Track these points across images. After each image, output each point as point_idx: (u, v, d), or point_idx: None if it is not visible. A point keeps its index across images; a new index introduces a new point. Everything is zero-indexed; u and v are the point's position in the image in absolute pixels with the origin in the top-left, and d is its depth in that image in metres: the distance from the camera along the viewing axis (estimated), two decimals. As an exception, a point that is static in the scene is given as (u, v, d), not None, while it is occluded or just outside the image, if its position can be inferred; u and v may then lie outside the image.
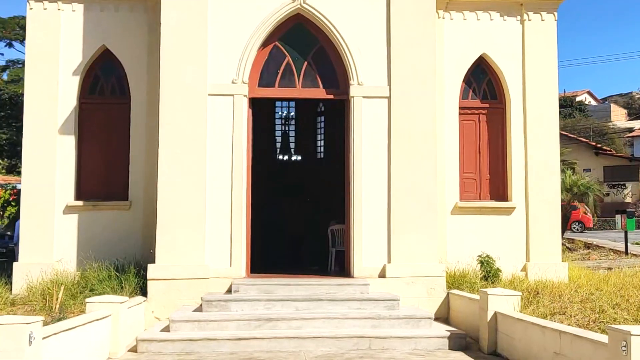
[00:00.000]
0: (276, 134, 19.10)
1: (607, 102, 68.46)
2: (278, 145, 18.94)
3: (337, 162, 16.88)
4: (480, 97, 11.99)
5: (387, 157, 10.42)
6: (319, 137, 19.11)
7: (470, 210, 11.55)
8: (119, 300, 8.05)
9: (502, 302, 8.18)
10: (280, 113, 19.17)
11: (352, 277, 10.22)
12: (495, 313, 8.16)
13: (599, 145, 38.38)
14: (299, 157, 18.69)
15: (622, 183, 37.49)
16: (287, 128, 19.33)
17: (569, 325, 7.56)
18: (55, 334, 6.46)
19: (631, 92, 72.64)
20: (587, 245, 21.12)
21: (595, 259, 17.71)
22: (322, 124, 18.96)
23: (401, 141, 10.40)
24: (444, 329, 8.89)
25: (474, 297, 9.14)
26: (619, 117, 64.20)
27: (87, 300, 8.07)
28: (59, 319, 7.91)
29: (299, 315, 8.74)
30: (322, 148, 18.86)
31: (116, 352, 7.94)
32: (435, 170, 10.48)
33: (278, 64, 10.71)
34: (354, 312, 8.95)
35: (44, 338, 6.01)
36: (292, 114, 19.26)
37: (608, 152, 38.28)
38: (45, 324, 7.28)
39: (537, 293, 9.57)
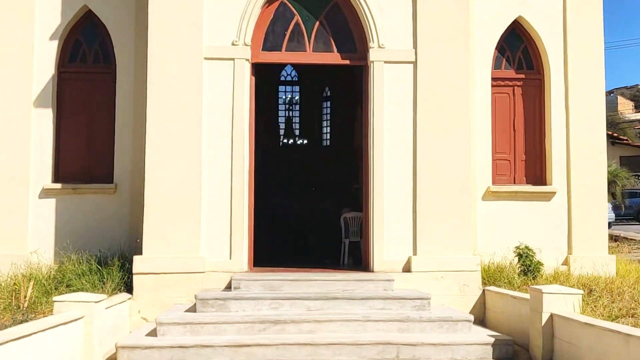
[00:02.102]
0: (279, 120, 17.83)
1: (613, 94, 66.98)
2: (282, 131, 17.63)
3: (345, 147, 15.91)
4: (514, 67, 10.50)
5: (413, 133, 8.96)
6: (325, 122, 17.85)
7: (504, 195, 10.09)
8: (94, 299, 6.62)
9: (560, 302, 6.73)
10: (283, 97, 17.88)
11: (372, 271, 8.78)
12: (552, 315, 6.71)
13: (615, 135, 36.75)
14: (305, 142, 17.33)
15: (638, 173, 35.98)
16: (291, 113, 18.01)
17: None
18: (5, 342, 5.03)
19: (637, 85, 71.43)
20: (614, 238, 19.63)
21: (628, 252, 16.25)
22: (329, 109, 17.68)
23: (429, 114, 8.94)
24: (485, 334, 7.44)
25: (520, 295, 7.70)
26: (625, 109, 62.78)
27: (55, 299, 6.64)
28: (21, 322, 6.50)
29: (311, 317, 7.29)
30: (329, 135, 17.63)
31: (90, 362, 6.52)
32: (469, 147, 9.02)
33: (285, 24, 9.22)
34: (377, 313, 7.50)
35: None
36: (297, 97, 17.95)
37: (625, 141, 36.69)
38: (5, 327, 5.90)
39: (591, 291, 8.15)
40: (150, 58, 8.76)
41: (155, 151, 8.65)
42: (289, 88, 18.18)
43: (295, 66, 17.52)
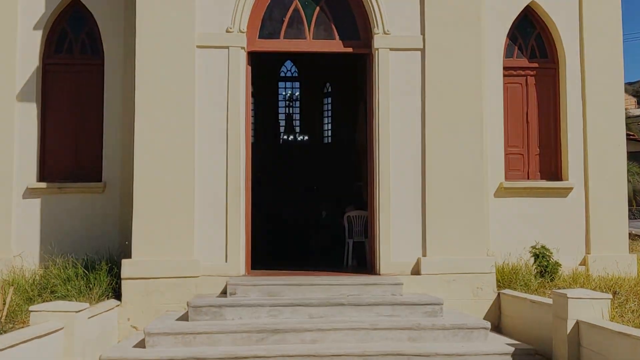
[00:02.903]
0: (279, 117, 17.28)
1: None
2: (282, 129, 17.08)
3: (347, 144, 15.33)
4: (527, 56, 9.87)
5: (421, 125, 8.34)
6: (325, 119, 17.30)
7: (517, 191, 9.47)
8: (74, 308, 6.00)
9: (587, 307, 6.12)
10: (283, 94, 17.32)
11: (379, 274, 8.17)
12: (578, 322, 6.10)
13: (622, 130, 36.01)
14: (305, 138, 16.77)
15: (646, 169, 35.25)
16: (291, 110, 17.44)
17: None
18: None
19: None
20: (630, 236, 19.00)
21: (643, 250, 15.62)
22: (330, 105, 17.13)
23: (438, 104, 8.32)
24: (503, 343, 6.83)
25: (541, 300, 7.09)
26: (628, 105, 62.13)
27: (31, 308, 6.02)
28: (-3, 333, 5.91)
29: (314, 325, 6.68)
30: (330, 131, 17.08)
31: (71, 377, 5.92)
32: (482, 140, 8.41)
33: (284, 9, 8.60)
34: (386, 320, 6.88)
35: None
36: (297, 94, 17.40)
37: (632, 137, 35.99)
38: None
39: (615, 293, 7.53)
40: (138, 46, 8.16)
41: (145, 146, 8.05)
42: (288, 84, 17.65)
43: (295, 61, 16.99)
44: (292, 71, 17.47)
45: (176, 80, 8.09)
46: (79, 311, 6.02)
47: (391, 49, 8.35)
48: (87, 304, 6.41)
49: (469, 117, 8.29)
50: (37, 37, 9.38)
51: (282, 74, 17.39)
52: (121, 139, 9.21)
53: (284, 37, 8.63)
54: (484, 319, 7.66)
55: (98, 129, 9.39)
